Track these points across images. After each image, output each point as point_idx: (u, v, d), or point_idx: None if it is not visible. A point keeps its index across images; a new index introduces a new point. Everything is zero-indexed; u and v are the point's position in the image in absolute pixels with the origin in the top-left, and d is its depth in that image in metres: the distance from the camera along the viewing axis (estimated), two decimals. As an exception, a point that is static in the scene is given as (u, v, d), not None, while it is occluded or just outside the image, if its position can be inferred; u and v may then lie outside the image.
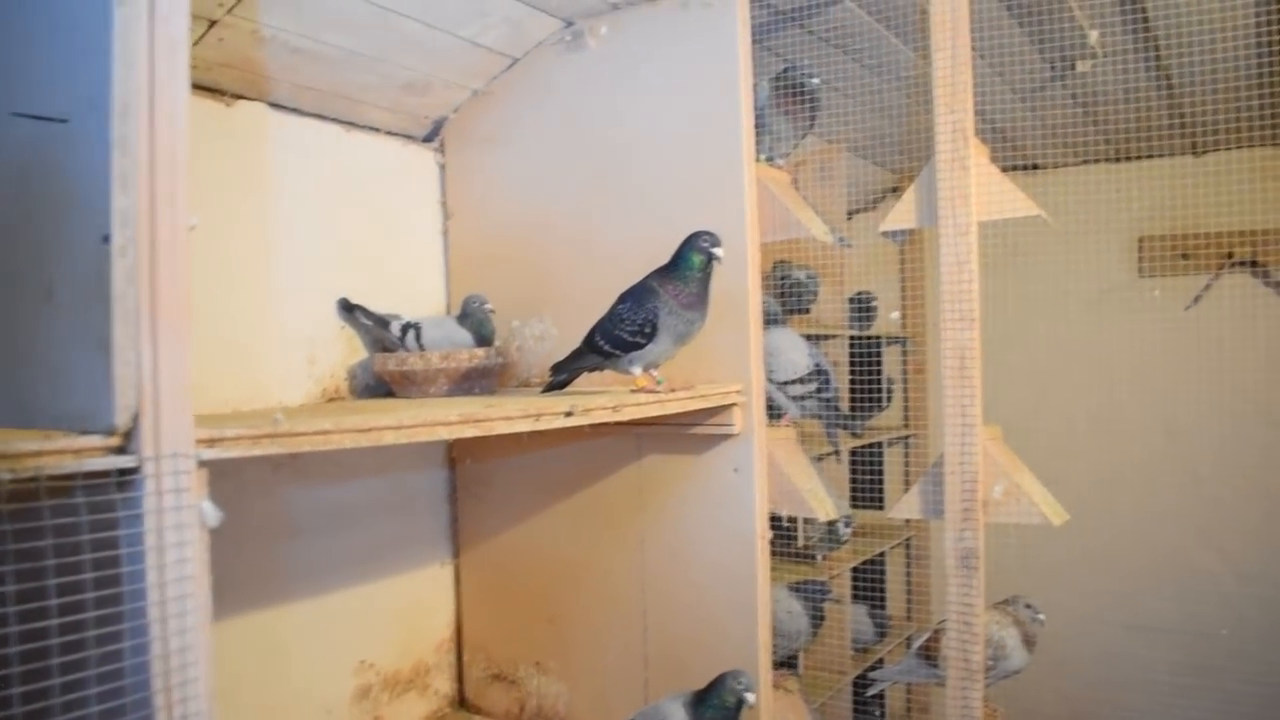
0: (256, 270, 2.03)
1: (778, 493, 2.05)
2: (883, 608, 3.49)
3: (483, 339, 2.17)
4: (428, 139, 2.41)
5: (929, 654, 2.20)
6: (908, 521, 3.65)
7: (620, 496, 2.18)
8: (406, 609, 2.36)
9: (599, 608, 2.22)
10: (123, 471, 1.00)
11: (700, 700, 1.79)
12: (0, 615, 0.94)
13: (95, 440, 0.99)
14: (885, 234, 2.05)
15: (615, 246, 2.12)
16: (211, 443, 1.08)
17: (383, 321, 2.17)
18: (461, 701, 2.48)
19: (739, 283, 1.98)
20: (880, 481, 3.71)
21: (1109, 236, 3.52)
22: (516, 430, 1.49)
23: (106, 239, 1.00)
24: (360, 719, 2.22)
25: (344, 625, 2.20)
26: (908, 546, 3.79)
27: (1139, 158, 3.53)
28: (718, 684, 1.78)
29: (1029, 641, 2.17)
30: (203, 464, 1.07)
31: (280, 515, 2.07)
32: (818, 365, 2.27)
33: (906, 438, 3.88)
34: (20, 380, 1.15)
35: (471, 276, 2.38)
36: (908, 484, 2.06)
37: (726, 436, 2.01)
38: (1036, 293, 3.51)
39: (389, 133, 2.32)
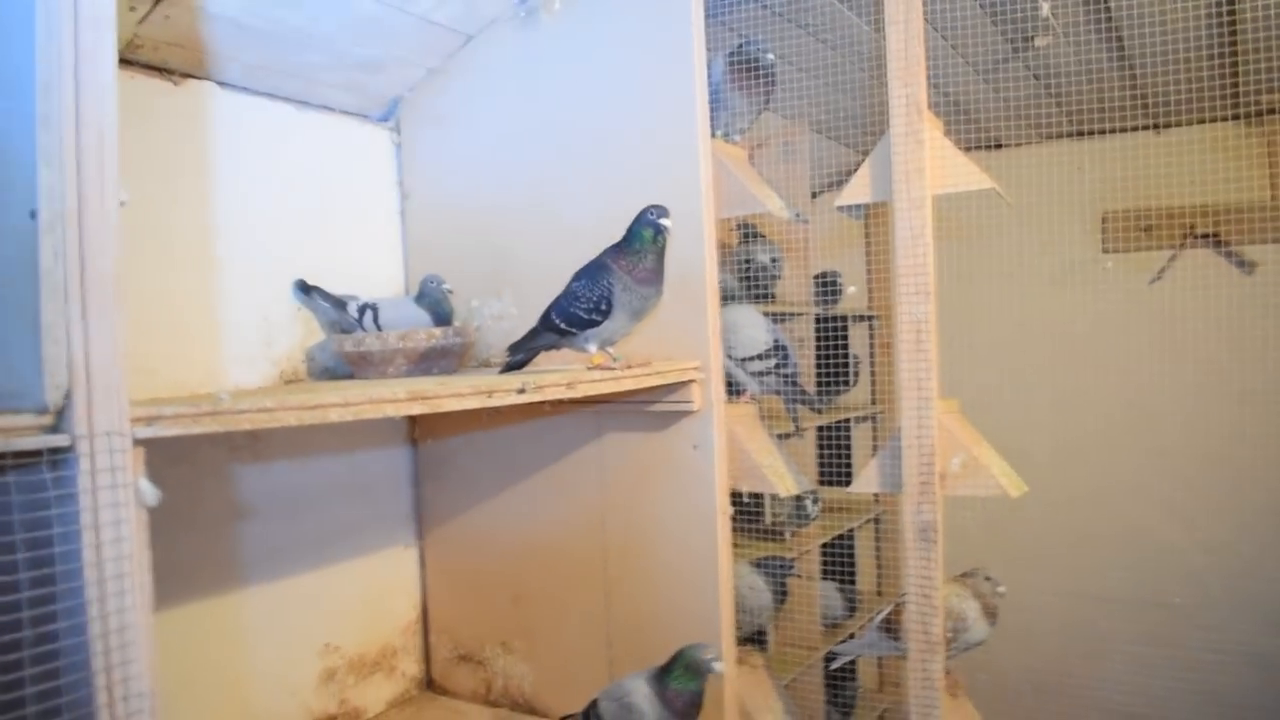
0: (209, 251, 2.00)
1: (738, 469, 2.05)
2: (852, 583, 3.51)
3: (441, 319, 2.16)
4: (384, 118, 2.39)
5: (891, 627, 2.21)
6: (876, 498, 3.67)
7: (581, 475, 2.17)
8: (372, 591, 2.35)
9: (562, 586, 2.22)
10: (55, 450, 0.99)
11: (664, 674, 1.79)
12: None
13: (26, 419, 0.98)
14: (841, 209, 2.05)
15: (572, 224, 2.11)
16: (148, 421, 1.07)
17: (340, 303, 2.16)
18: (429, 683, 2.48)
19: (696, 258, 1.97)
20: (848, 459, 3.71)
21: (1072, 212, 3.54)
22: (466, 407, 1.48)
23: (33, 214, 0.98)
24: (326, 702, 2.22)
25: (308, 608, 2.19)
26: (877, 523, 3.81)
27: (1100, 133, 3.54)
28: (677, 656, 1.78)
29: (990, 613, 2.18)
30: (139, 442, 1.05)
31: (240, 498, 2.05)
32: (777, 341, 2.27)
33: (874, 415, 3.89)
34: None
35: (429, 257, 2.36)
36: (874, 461, 2.07)
37: (686, 413, 2.01)
38: (1000, 269, 3.53)
39: (344, 112, 2.30)
